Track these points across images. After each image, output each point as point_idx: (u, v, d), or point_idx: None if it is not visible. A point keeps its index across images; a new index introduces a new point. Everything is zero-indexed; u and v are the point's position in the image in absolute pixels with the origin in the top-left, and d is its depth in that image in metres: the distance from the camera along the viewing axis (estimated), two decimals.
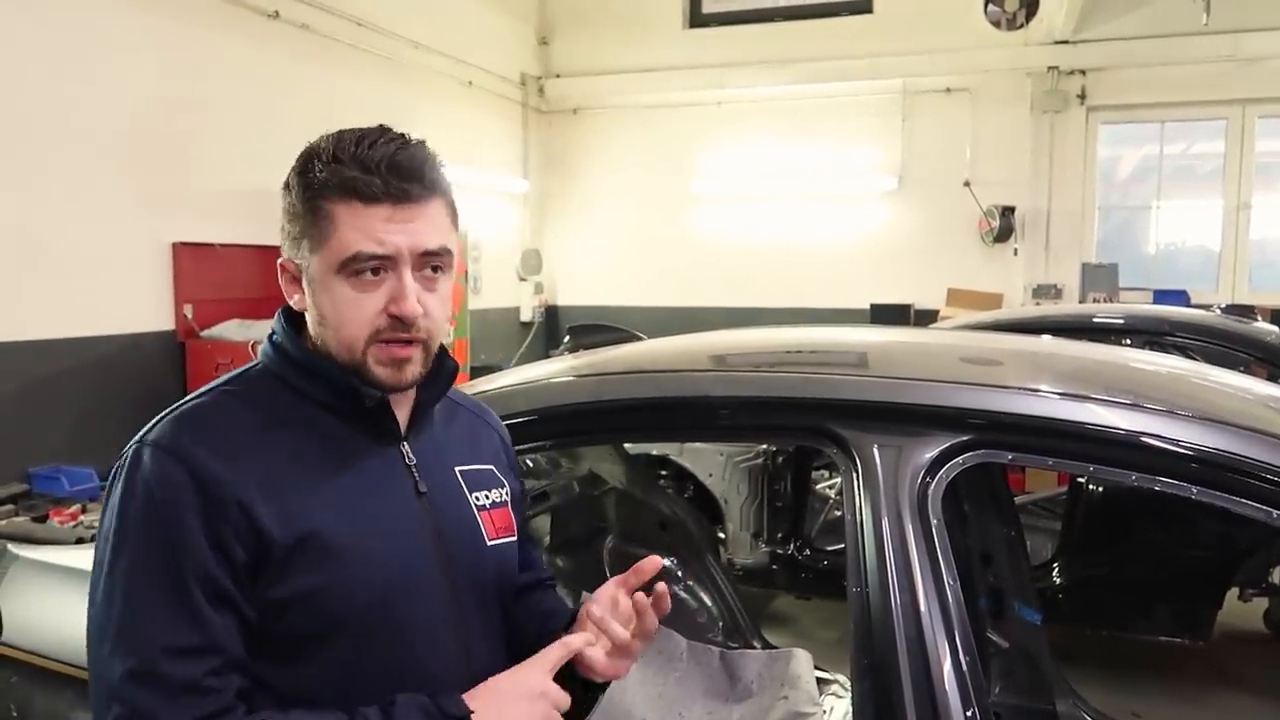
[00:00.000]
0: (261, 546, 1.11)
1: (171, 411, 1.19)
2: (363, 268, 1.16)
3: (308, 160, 1.19)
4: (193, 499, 1.10)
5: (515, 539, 1.37)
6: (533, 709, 1.17)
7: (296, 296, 1.23)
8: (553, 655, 1.21)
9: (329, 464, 1.19)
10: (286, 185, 1.21)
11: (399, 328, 1.17)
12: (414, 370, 1.21)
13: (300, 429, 1.20)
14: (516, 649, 1.33)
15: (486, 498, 1.34)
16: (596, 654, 1.24)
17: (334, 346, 1.20)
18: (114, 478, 1.17)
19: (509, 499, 1.38)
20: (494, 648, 1.31)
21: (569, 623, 1.35)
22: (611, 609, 1.27)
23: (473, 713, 1.15)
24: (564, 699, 1.20)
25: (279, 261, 1.25)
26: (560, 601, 1.48)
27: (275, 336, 1.27)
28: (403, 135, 1.21)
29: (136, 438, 1.17)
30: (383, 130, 1.20)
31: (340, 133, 1.20)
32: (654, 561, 1.27)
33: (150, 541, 1.11)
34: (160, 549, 1.10)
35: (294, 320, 1.26)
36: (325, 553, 1.14)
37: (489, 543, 1.32)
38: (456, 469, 1.32)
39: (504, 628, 1.35)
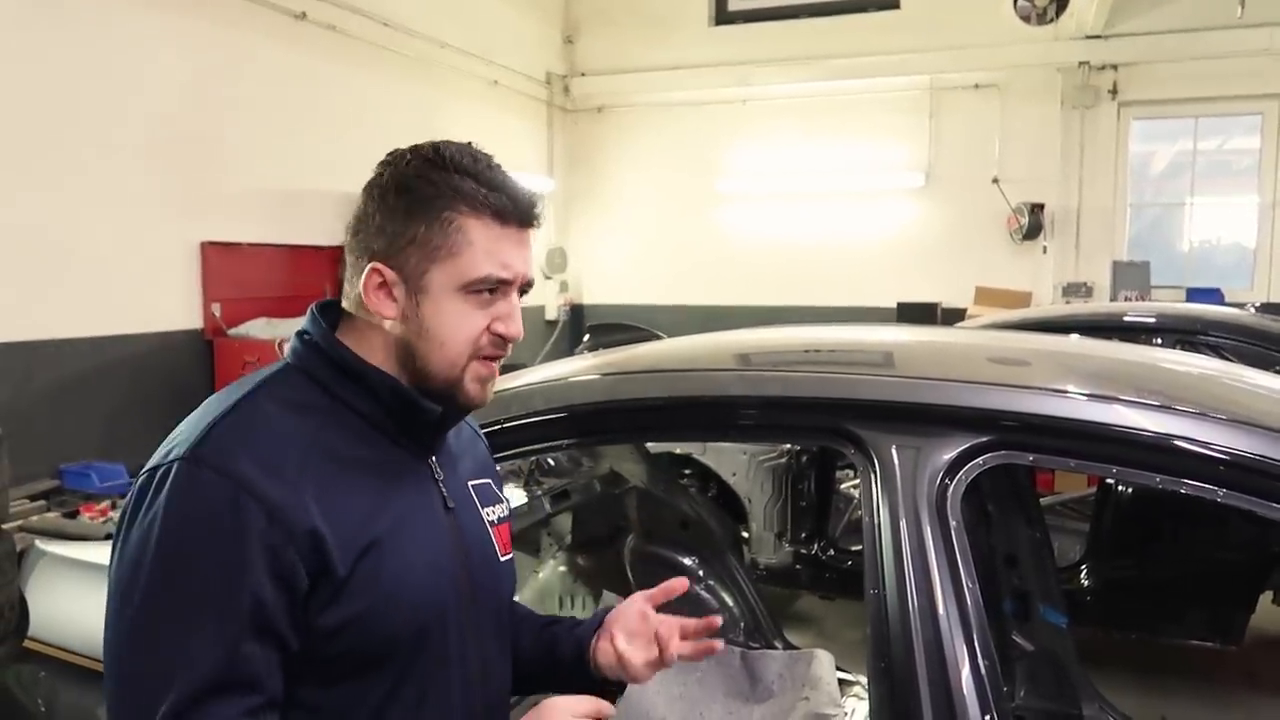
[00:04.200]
0: (324, 570, 1.07)
1: (215, 423, 1.09)
2: (484, 288, 1.16)
3: (431, 166, 1.15)
4: (256, 525, 1.03)
5: (512, 556, 1.36)
6: None
7: (389, 305, 1.16)
8: (582, 708, 1.22)
9: (376, 478, 1.16)
10: (398, 187, 1.15)
11: (500, 346, 1.19)
12: (492, 390, 1.23)
13: (342, 440, 1.15)
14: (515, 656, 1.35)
15: (494, 513, 1.33)
16: (633, 656, 1.30)
17: (435, 362, 1.16)
18: (149, 492, 1.07)
19: (509, 512, 1.38)
20: (506, 665, 1.31)
21: (595, 628, 1.36)
22: (640, 623, 1.31)
23: None
24: None
25: (371, 265, 1.15)
26: (526, 608, 1.49)
27: (310, 337, 1.20)
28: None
29: (178, 451, 1.07)
30: (480, 150, 1.21)
31: (446, 144, 1.18)
32: (682, 582, 1.31)
33: (206, 572, 1.03)
34: (217, 581, 1.03)
35: (328, 320, 1.21)
36: (378, 571, 1.10)
37: (500, 559, 1.31)
38: (469, 483, 1.31)
39: (509, 645, 1.34)
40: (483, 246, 1.14)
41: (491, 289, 1.16)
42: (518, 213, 1.17)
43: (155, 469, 1.08)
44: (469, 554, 1.24)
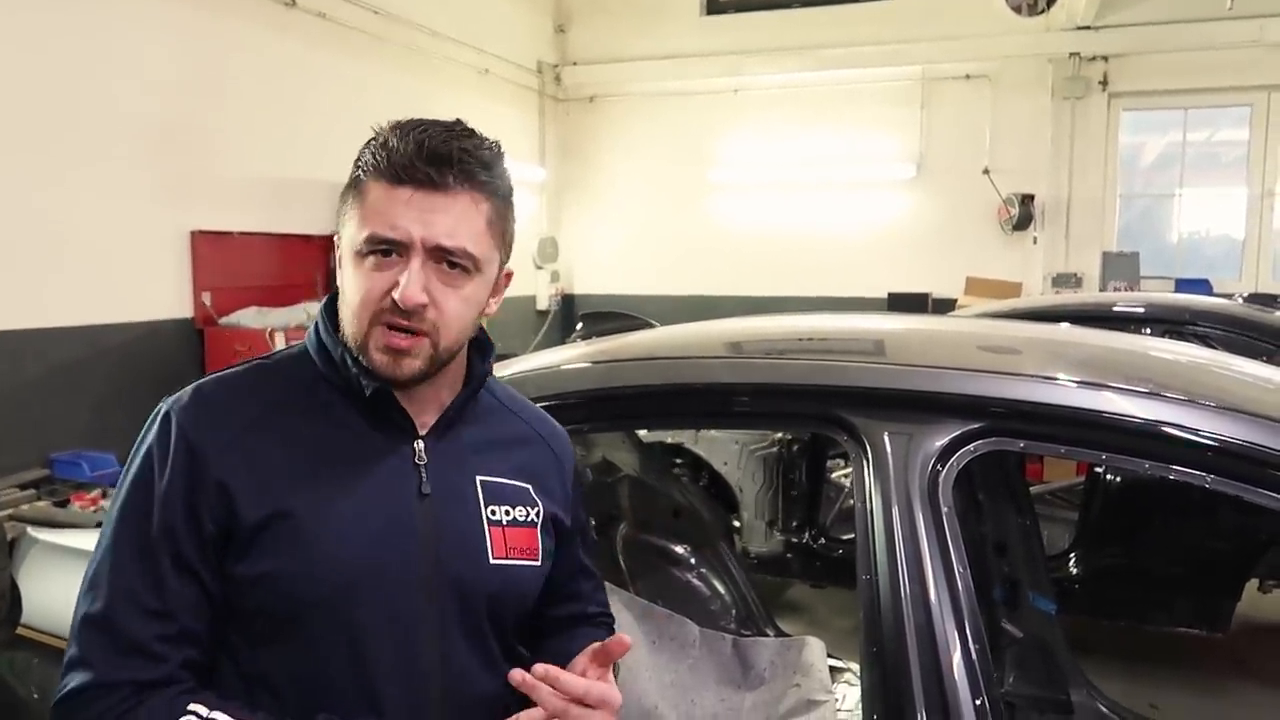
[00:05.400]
0: (232, 521, 1.12)
1: (199, 380, 1.23)
2: (375, 249, 1.14)
3: (365, 144, 1.19)
4: (181, 466, 1.13)
5: (538, 564, 1.29)
6: None
7: (338, 273, 1.23)
8: None
9: (328, 451, 1.18)
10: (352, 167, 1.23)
11: (399, 313, 1.13)
12: (414, 365, 1.16)
13: (311, 413, 1.20)
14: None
15: (507, 514, 1.26)
16: None
17: (346, 325, 1.18)
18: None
19: (538, 520, 1.30)
20: (482, 665, 1.24)
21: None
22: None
23: None
24: None
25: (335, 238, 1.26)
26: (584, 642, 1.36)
27: (317, 318, 1.27)
28: (470, 131, 1.18)
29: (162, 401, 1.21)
30: (454, 124, 1.18)
31: (409, 119, 1.19)
32: (622, 643, 1.21)
33: (135, 499, 1.14)
34: (142, 508, 1.13)
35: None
36: (294, 535, 1.13)
37: (492, 560, 1.23)
38: (479, 478, 1.26)
39: (503, 649, 1.27)
40: (372, 207, 1.14)
41: (385, 251, 1.13)
42: (412, 172, 1.12)
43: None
44: (440, 545, 1.20)
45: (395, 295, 1.12)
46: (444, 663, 1.20)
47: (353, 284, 1.16)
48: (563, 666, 1.22)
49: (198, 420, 1.15)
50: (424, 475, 1.21)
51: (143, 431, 1.19)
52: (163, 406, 1.19)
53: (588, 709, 1.16)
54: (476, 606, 1.23)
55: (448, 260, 1.15)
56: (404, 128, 1.16)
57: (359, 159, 1.18)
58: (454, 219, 1.14)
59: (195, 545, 1.12)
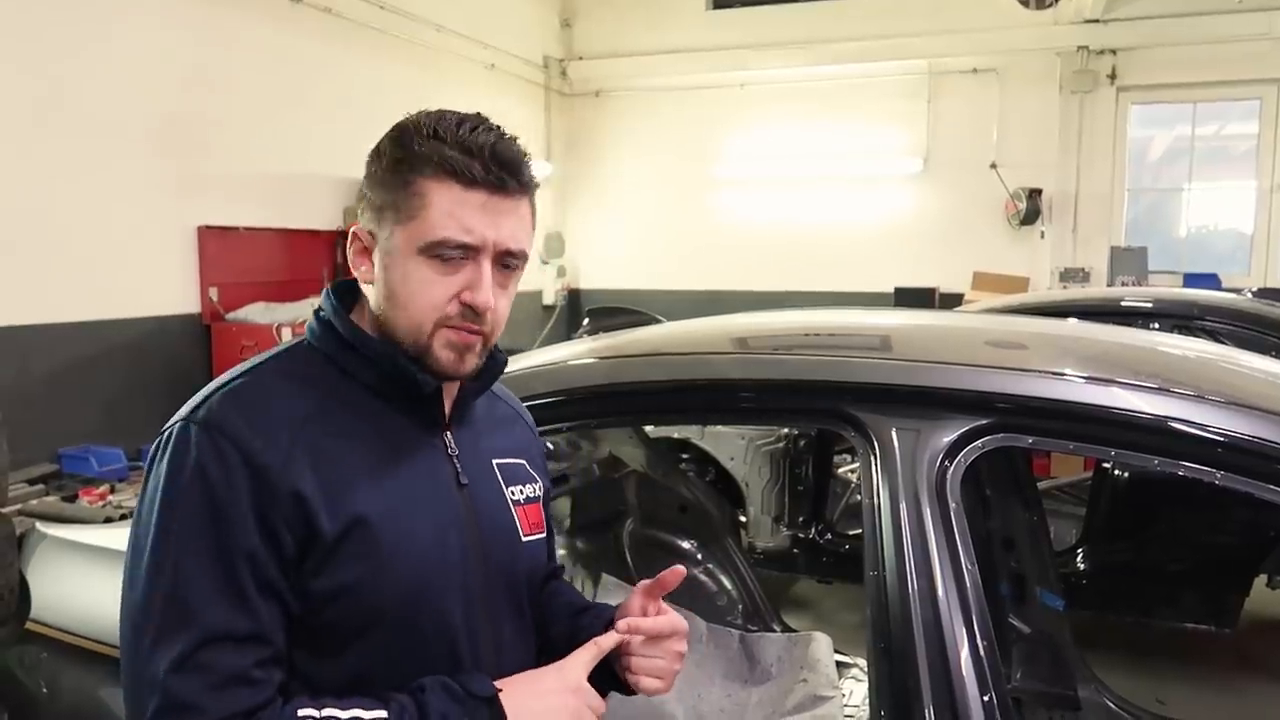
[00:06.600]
0: (310, 536, 1.08)
1: (219, 389, 1.14)
2: (445, 253, 1.13)
3: (405, 132, 1.16)
4: (245, 484, 1.06)
5: (544, 536, 1.35)
6: (566, 703, 1.15)
7: (364, 268, 1.19)
8: (588, 654, 1.19)
9: (376, 450, 1.16)
10: (377, 153, 1.18)
11: (469, 316, 1.15)
12: (474, 361, 1.19)
13: (348, 412, 1.16)
14: (542, 642, 1.32)
15: (521, 492, 1.31)
16: (646, 667, 1.24)
17: (399, 326, 1.16)
18: (157, 457, 1.11)
19: (540, 494, 1.35)
20: (524, 644, 1.29)
21: (607, 624, 1.29)
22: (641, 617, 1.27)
23: (500, 692, 1.12)
24: (599, 701, 1.18)
25: (352, 229, 1.21)
26: (574, 592, 1.46)
27: (323, 314, 1.22)
28: (499, 127, 1.17)
29: (181, 415, 1.12)
30: (481, 118, 1.17)
31: (441, 112, 1.17)
32: (677, 572, 1.26)
33: (201, 525, 1.06)
34: (212, 533, 1.06)
35: (343, 298, 1.23)
36: (370, 542, 1.11)
37: (523, 539, 1.29)
38: (495, 461, 1.29)
39: (532, 625, 1.32)
40: (442, 209, 1.12)
41: (455, 254, 1.13)
42: (486, 176, 1.12)
43: (159, 435, 1.13)
44: (482, 531, 1.22)
45: (469, 299, 1.14)
46: (497, 650, 1.23)
47: (413, 284, 1.14)
48: (566, 625, 1.33)
49: (245, 429, 1.08)
50: (458, 465, 1.23)
51: (167, 454, 1.09)
52: (187, 424, 1.09)
53: (664, 641, 1.25)
54: (518, 587, 1.28)
55: (506, 263, 1.17)
56: (453, 123, 1.14)
57: (405, 153, 1.14)
58: (515, 222, 1.16)
59: (276, 564, 1.07)
